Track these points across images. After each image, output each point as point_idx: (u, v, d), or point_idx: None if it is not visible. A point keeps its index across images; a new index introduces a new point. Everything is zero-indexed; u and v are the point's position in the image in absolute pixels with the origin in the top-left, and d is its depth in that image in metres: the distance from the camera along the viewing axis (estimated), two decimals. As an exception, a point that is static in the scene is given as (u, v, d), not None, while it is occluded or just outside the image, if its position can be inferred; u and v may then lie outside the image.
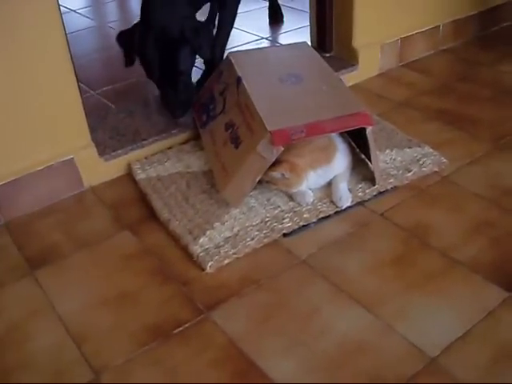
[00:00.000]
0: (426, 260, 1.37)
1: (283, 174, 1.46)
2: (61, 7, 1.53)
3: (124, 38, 1.84)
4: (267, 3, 2.84)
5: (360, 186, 1.57)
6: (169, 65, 1.75)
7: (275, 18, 2.82)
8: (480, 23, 2.51)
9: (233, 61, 1.72)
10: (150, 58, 1.75)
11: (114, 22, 3.05)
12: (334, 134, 1.54)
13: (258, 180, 1.45)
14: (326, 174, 1.53)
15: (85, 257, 1.46)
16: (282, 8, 2.84)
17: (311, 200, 1.52)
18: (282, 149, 1.39)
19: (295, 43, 1.93)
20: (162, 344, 1.20)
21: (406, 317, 1.22)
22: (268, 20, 2.82)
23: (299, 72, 1.67)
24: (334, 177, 1.55)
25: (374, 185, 1.57)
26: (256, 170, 1.44)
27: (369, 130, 1.47)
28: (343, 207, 1.51)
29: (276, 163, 1.44)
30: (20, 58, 1.49)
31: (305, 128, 1.39)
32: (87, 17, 3.15)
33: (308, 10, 2.35)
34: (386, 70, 2.27)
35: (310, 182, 1.52)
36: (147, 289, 1.34)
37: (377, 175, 1.56)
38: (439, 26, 2.37)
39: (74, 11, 3.20)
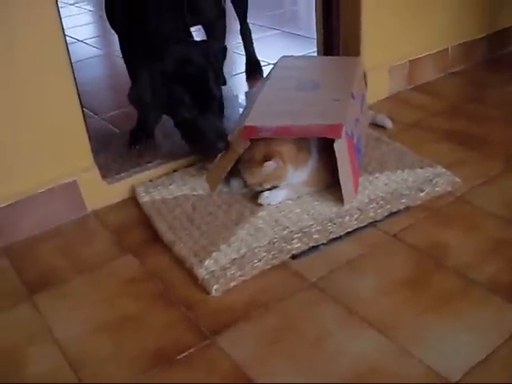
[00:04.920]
0: (441, 281, 1.30)
1: (277, 163, 1.50)
2: (68, 37, 1.52)
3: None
4: (274, 31, 2.82)
5: (372, 206, 1.52)
6: (200, 94, 1.60)
7: (253, 72, 2.52)
8: (488, 46, 2.49)
9: (278, 62, 1.91)
10: (177, 95, 1.58)
11: (121, 51, 3.06)
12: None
13: (229, 168, 1.57)
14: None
15: (85, 281, 1.40)
16: (290, 36, 2.83)
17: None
18: (249, 143, 1.50)
19: (349, 57, 2.08)
20: (165, 370, 1.14)
21: (423, 340, 1.15)
22: (245, 75, 2.55)
23: (323, 80, 1.77)
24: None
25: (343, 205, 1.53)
26: (228, 159, 1.58)
27: (336, 142, 1.43)
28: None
29: (262, 158, 1.50)
30: (23, 80, 1.46)
31: (274, 128, 1.49)
32: (94, 46, 3.16)
33: (314, 37, 2.34)
34: (395, 93, 2.24)
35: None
36: (150, 313, 1.28)
37: (345, 195, 1.51)
38: (448, 48, 2.35)
39: (82, 41, 3.22)
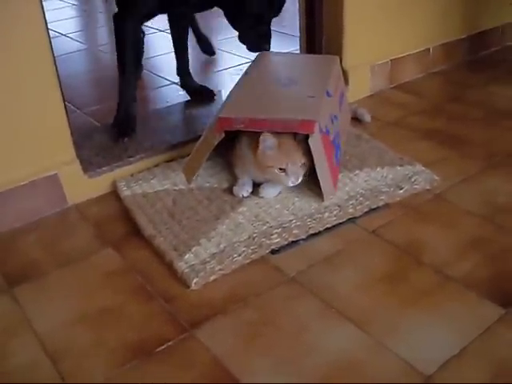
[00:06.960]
0: (418, 277, 1.32)
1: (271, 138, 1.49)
2: (51, 31, 1.51)
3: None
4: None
5: (351, 202, 1.54)
6: None
7: (206, 49, 2.65)
8: (469, 47, 2.52)
9: (257, 57, 1.92)
10: None
11: (105, 46, 3.05)
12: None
13: (204, 160, 1.60)
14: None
15: (66, 274, 1.40)
16: (274, 33, 2.82)
17: (246, 194, 1.58)
18: (223, 135, 1.52)
19: (326, 55, 2.10)
20: (144, 362, 1.14)
21: (399, 334, 1.17)
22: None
23: (299, 77, 1.79)
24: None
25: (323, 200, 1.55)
26: (203, 150, 1.60)
27: (310, 138, 1.45)
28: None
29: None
30: (4, 74, 1.46)
31: (247, 121, 1.50)
32: (77, 40, 3.15)
33: (298, 35, 2.35)
34: (376, 92, 2.26)
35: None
36: (129, 306, 1.29)
37: (324, 191, 1.53)
38: (429, 48, 2.38)
39: (65, 35, 3.20)
